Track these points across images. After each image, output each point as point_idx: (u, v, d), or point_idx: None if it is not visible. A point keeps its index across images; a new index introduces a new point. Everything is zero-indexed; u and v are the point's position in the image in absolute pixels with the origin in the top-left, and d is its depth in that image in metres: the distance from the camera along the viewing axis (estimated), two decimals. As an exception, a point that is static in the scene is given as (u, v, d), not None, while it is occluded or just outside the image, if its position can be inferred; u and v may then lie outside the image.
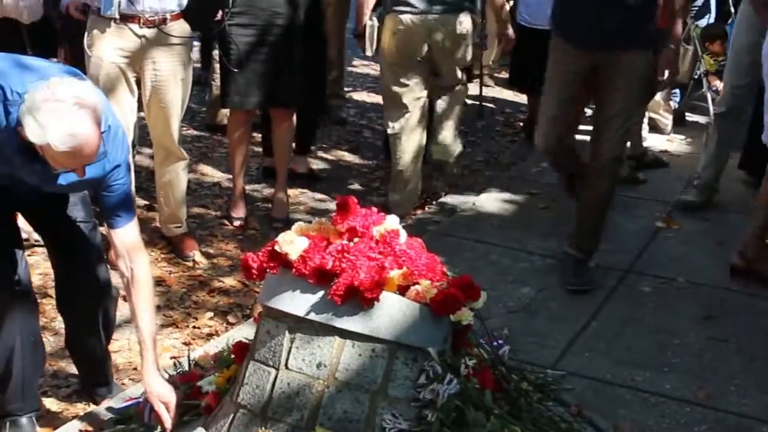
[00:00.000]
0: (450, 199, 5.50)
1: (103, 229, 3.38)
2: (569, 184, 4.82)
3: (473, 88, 6.75)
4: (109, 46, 4.25)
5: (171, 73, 4.38)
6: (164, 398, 2.92)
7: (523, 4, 6.22)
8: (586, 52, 4.07)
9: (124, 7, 4.19)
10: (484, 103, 7.19)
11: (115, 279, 3.41)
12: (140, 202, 5.11)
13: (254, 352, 2.76)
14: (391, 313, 2.61)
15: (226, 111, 5.62)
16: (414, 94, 5.09)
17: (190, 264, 4.69)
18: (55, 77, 2.63)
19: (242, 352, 2.92)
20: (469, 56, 5.19)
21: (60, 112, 2.51)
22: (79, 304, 3.30)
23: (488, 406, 2.66)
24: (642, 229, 5.06)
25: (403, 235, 2.81)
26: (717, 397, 3.54)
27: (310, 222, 2.88)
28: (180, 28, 4.36)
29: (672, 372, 3.70)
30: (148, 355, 2.97)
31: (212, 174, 5.88)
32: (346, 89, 7.35)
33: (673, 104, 6.78)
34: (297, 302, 2.64)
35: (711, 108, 5.93)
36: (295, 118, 5.20)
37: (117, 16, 4.20)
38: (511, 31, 5.50)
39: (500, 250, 4.70)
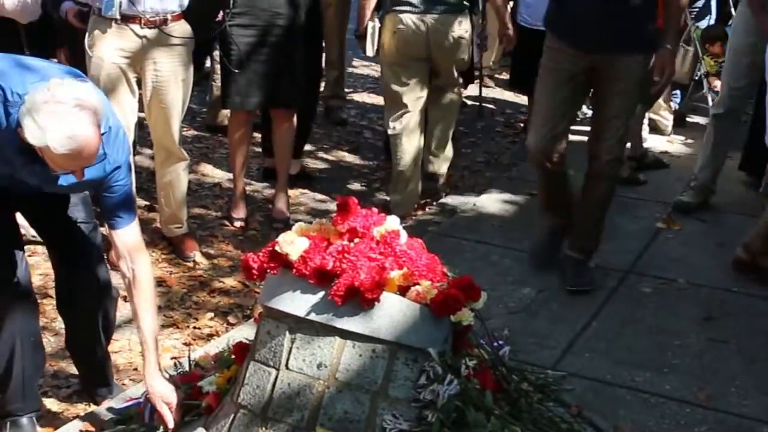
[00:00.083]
0: (450, 199, 5.50)
1: (103, 230, 3.39)
2: (548, 203, 4.49)
3: (473, 89, 6.76)
4: (110, 47, 4.26)
5: (172, 74, 4.38)
6: (166, 398, 2.93)
7: (524, 4, 6.21)
8: (584, 53, 4.03)
9: (125, 7, 4.19)
10: (484, 104, 7.18)
11: (116, 279, 3.41)
12: (141, 202, 5.11)
13: (255, 352, 2.76)
14: (392, 313, 2.61)
15: (226, 112, 5.62)
16: (414, 93, 5.10)
17: (191, 264, 4.69)
18: (55, 78, 2.63)
19: (243, 352, 2.93)
20: (467, 57, 5.20)
21: (59, 114, 2.51)
22: (79, 305, 3.30)
23: (489, 406, 2.66)
24: (642, 230, 5.06)
25: (404, 235, 2.81)
26: (717, 398, 3.54)
27: (310, 222, 2.88)
28: (181, 28, 4.37)
29: (672, 373, 3.70)
30: (149, 355, 2.97)
31: (213, 174, 5.88)
32: (346, 90, 7.35)
33: (674, 105, 6.78)
34: (297, 303, 2.64)
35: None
36: (295, 118, 5.20)
37: (118, 17, 4.20)
38: (511, 31, 5.50)
39: (501, 250, 4.71)
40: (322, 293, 2.62)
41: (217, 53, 5.59)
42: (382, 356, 2.62)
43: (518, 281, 4.41)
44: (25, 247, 3.25)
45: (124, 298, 3.51)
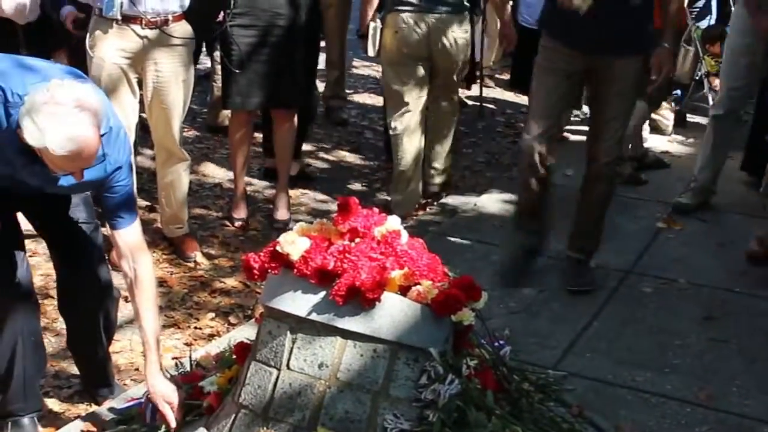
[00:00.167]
0: (451, 200, 5.50)
1: (105, 230, 3.39)
2: (526, 215, 4.38)
3: (474, 89, 6.76)
4: (111, 47, 4.26)
5: (173, 74, 4.38)
6: (168, 398, 2.93)
7: (524, 4, 6.21)
8: (580, 53, 4.00)
9: (126, 8, 4.19)
10: (484, 104, 7.19)
11: (117, 280, 3.41)
12: (142, 203, 5.12)
13: (256, 352, 2.76)
14: (393, 313, 2.62)
15: (227, 112, 5.62)
16: (415, 93, 5.11)
17: (192, 265, 4.69)
18: (55, 79, 2.62)
19: (244, 352, 2.93)
20: (467, 58, 5.21)
21: (59, 115, 2.51)
22: (80, 305, 3.30)
23: (490, 406, 2.66)
24: (643, 230, 5.06)
25: (405, 235, 2.81)
26: (718, 397, 3.54)
27: (311, 223, 2.88)
28: (182, 29, 4.37)
29: (673, 373, 3.70)
30: (151, 355, 2.97)
31: (214, 175, 5.88)
32: (347, 90, 7.35)
33: (675, 105, 6.78)
34: (298, 303, 2.65)
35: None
36: (296, 119, 5.20)
37: (119, 17, 4.21)
38: (512, 31, 5.50)
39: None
40: (323, 293, 2.62)
41: (217, 54, 5.58)
42: (383, 356, 2.62)
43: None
44: (26, 248, 3.25)
45: (125, 299, 3.52)
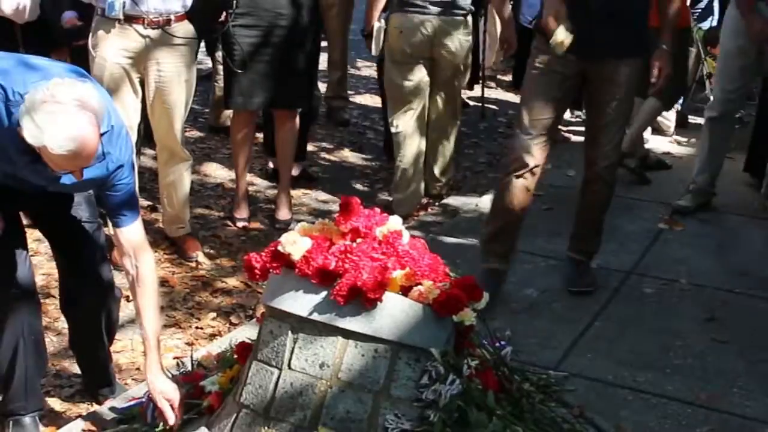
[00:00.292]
0: (452, 200, 5.51)
1: (107, 230, 3.40)
2: (498, 233, 4.19)
3: (476, 90, 6.77)
4: (113, 47, 4.26)
5: (175, 74, 4.39)
6: (168, 396, 2.92)
7: (526, 4, 6.22)
8: (577, 57, 3.92)
9: (129, 8, 4.20)
10: (486, 105, 7.19)
11: (119, 279, 3.42)
12: (143, 203, 5.11)
13: (257, 352, 2.76)
14: (394, 313, 2.62)
15: (229, 112, 5.62)
16: (418, 92, 5.14)
17: (193, 265, 4.70)
18: (56, 78, 2.62)
19: (245, 352, 2.93)
20: (469, 59, 5.22)
21: (58, 114, 2.50)
22: (82, 304, 3.30)
23: (491, 406, 2.66)
24: (644, 231, 5.06)
25: (406, 235, 2.81)
26: (719, 398, 3.54)
27: (313, 223, 2.88)
28: (184, 29, 4.37)
29: (674, 373, 3.70)
30: (151, 353, 2.97)
31: (215, 175, 5.89)
32: (349, 91, 7.35)
33: (676, 106, 6.78)
34: (300, 302, 2.65)
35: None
36: (298, 119, 5.21)
37: (121, 17, 4.21)
38: (513, 34, 5.51)
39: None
40: (324, 293, 2.62)
41: (219, 53, 5.59)
42: (384, 356, 2.62)
43: (520, 282, 4.41)
44: (29, 247, 3.25)
45: (127, 298, 3.52)
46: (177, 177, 4.65)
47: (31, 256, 3.56)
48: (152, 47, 4.30)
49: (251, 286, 4.45)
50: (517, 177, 4.05)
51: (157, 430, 2.95)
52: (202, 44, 5.84)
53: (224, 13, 4.78)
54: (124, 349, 3.90)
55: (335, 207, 3.32)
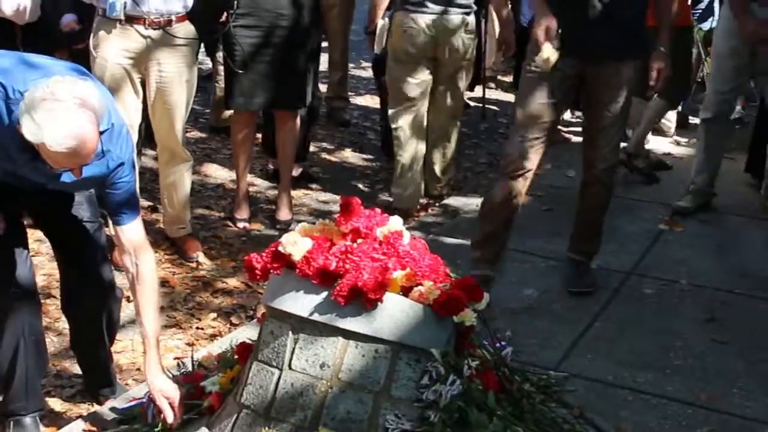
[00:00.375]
0: (453, 201, 5.52)
1: (107, 231, 3.40)
2: (487, 239, 4.16)
3: (476, 91, 6.77)
4: (114, 48, 4.27)
5: (176, 75, 4.39)
6: (167, 394, 2.93)
7: (526, 4, 6.21)
8: (574, 60, 3.89)
9: (130, 8, 4.20)
10: (487, 106, 7.18)
11: (120, 279, 3.42)
12: (144, 203, 5.11)
13: (258, 352, 2.76)
14: (395, 314, 2.62)
15: (229, 112, 5.62)
16: (419, 91, 5.17)
17: (194, 265, 4.70)
18: (57, 76, 2.62)
19: (246, 352, 2.93)
20: (472, 59, 5.24)
21: (57, 111, 2.50)
22: (83, 304, 3.30)
23: (491, 407, 2.66)
24: (645, 232, 5.07)
25: (407, 236, 2.81)
26: (719, 399, 3.54)
27: (313, 223, 2.88)
28: (185, 29, 4.38)
29: (674, 374, 3.71)
30: (151, 351, 2.97)
31: (216, 175, 5.89)
32: (349, 92, 7.35)
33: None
34: (300, 303, 2.65)
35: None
36: (299, 119, 5.21)
37: (122, 18, 4.22)
38: (511, 36, 5.51)
39: (508, 251, 4.70)
40: (325, 293, 2.62)
41: (220, 54, 5.59)
42: (384, 356, 2.62)
43: (520, 282, 4.41)
44: (30, 248, 3.26)
45: (128, 299, 3.52)
46: (178, 177, 4.65)
47: (32, 256, 3.56)
48: (153, 48, 4.31)
49: (252, 286, 4.45)
50: (510, 179, 4.03)
51: (156, 430, 2.95)
52: (202, 45, 5.87)
53: (225, 14, 4.79)
54: (124, 349, 3.90)
55: (336, 207, 3.32)
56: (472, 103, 7.21)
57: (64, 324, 3.70)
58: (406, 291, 2.66)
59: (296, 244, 2.71)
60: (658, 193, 5.62)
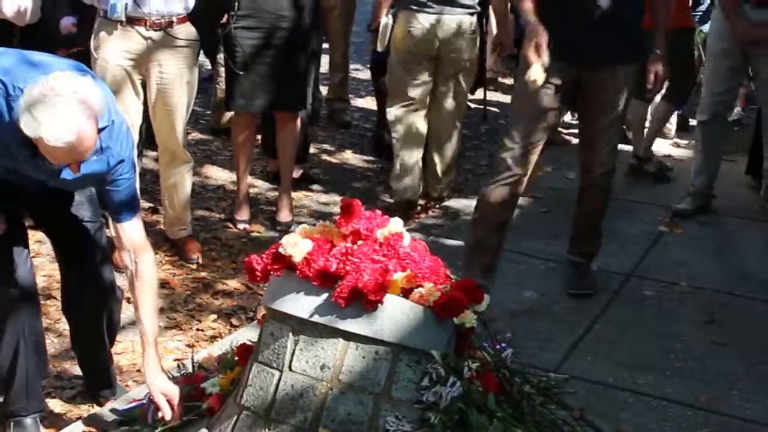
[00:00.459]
0: (454, 202, 5.52)
1: (108, 231, 3.40)
2: (482, 245, 4.18)
3: (477, 93, 6.76)
4: (115, 49, 4.27)
5: (177, 76, 4.39)
6: (166, 392, 2.93)
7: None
8: (570, 65, 3.88)
9: (131, 9, 4.21)
10: (488, 108, 7.18)
11: (120, 280, 3.42)
12: (144, 204, 5.11)
13: (258, 354, 2.76)
14: (395, 315, 2.62)
15: (230, 114, 5.63)
16: (421, 89, 5.20)
17: (194, 266, 4.70)
18: (56, 72, 2.62)
19: (246, 354, 2.93)
20: (475, 59, 5.24)
21: (55, 106, 2.50)
22: (83, 305, 3.30)
23: (491, 408, 2.66)
24: (645, 234, 5.07)
25: (407, 237, 2.82)
26: (719, 400, 3.54)
27: (314, 225, 2.89)
28: (186, 30, 4.38)
29: (674, 376, 3.71)
30: (149, 349, 2.97)
31: (216, 177, 5.89)
32: (350, 93, 7.35)
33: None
34: (301, 304, 2.65)
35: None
36: (299, 121, 5.22)
37: (123, 19, 4.22)
38: (508, 37, 5.51)
39: (503, 253, 4.70)
40: (325, 295, 2.62)
41: (221, 55, 5.59)
42: (385, 358, 2.62)
43: (520, 284, 4.41)
44: (30, 248, 3.26)
45: (128, 300, 3.52)
46: (178, 179, 4.65)
47: (33, 257, 3.56)
48: (154, 49, 4.31)
49: (252, 288, 4.45)
50: (503, 185, 4.04)
51: (157, 431, 2.95)
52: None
53: (226, 15, 4.80)
54: (125, 350, 3.90)
55: (336, 209, 3.32)
56: (473, 105, 7.21)
57: (64, 325, 3.70)
58: (406, 293, 2.66)
59: (297, 245, 2.71)
60: (658, 195, 5.62)
